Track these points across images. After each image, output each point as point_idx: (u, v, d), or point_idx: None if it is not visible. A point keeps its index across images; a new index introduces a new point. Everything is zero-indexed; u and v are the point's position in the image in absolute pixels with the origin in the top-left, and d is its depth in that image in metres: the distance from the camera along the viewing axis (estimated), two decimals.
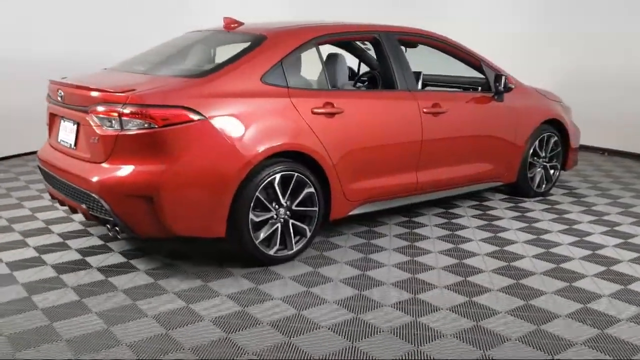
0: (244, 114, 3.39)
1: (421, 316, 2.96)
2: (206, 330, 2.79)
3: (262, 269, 3.52)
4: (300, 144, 3.57)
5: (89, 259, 3.62)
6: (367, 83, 5.03)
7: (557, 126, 5.29)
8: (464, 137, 4.52)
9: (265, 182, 3.43)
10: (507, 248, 3.95)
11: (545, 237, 4.19)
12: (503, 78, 4.60)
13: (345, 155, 3.80)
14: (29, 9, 6.48)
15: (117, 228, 3.36)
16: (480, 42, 5.70)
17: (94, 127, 3.29)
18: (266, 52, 3.63)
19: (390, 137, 4.03)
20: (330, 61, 4.14)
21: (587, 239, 4.17)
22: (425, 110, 4.19)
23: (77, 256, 3.67)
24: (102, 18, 7.02)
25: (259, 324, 2.85)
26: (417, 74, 5.06)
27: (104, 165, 3.25)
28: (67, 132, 3.62)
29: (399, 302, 3.11)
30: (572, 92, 6.51)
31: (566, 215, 4.74)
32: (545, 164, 5.28)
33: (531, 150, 5.06)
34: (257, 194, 3.41)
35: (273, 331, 2.79)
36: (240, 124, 3.36)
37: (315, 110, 3.66)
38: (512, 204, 5.02)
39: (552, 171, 5.37)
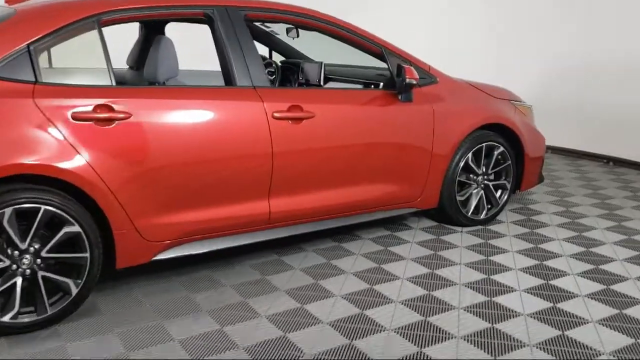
0: None
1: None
2: None
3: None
4: (48, 165, 2.51)
5: None
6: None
7: (506, 133, 4.02)
8: (347, 150, 3.34)
9: None
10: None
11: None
12: (403, 70, 3.38)
13: (134, 177, 2.71)
14: None
15: None
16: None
17: None
18: (5, 33, 2.58)
19: (210, 151, 2.90)
20: (145, 46, 3.07)
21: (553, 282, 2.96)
22: (276, 115, 3.04)
23: None
24: None
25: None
26: (318, 66, 3.92)
27: None
28: None
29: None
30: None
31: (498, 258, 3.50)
32: (486, 182, 4.01)
33: (461, 165, 3.81)
34: None
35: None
36: None
37: (81, 115, 2.59)
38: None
39: (498, 192, 4.10)
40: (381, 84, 3.64)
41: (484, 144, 3.89)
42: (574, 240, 3.75)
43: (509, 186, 4.10)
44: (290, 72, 4.36)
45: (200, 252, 3.01)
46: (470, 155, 3.84)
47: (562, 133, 6.27)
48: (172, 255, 2.92)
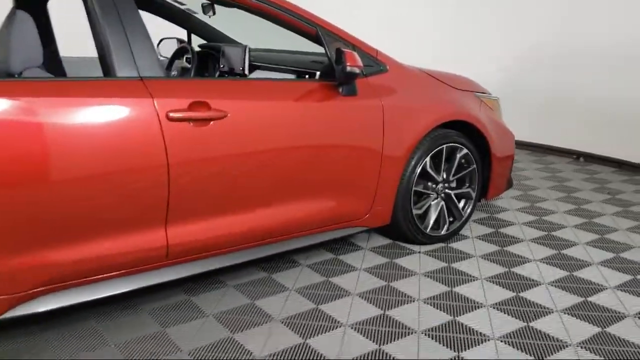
0: None
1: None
2: None
3: None
4: None
5: None
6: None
7: (470, 131, 3.35)
8: (271, 159, 2.59)
9: None
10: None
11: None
12: (343, 55, 2.65)
13: None
14: None
15: None
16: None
17: None
18: None
19: (73, 169, 2.11)
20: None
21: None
22: (173, 115, 2.27)
23: None
24: None
25: None
26: (241, 51, 3.17)
27: None
28: None
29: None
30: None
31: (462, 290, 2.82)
32: (448, 191, 3.33)
33: (417, 172, 3.11)
34: None
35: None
36: None
37: None
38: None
39: (462, 202, 3.43)
40: (317, 73, 2.90)
41: (444, 146, 3.21)
42: (553, 261, 3.11)
43: (474, 195, 3.43)
44: (211, 60, 3.58)
45: (72, 304, 2.22)
46: (428, 159, 3.15)
47: (526, 126, 5.67)
48: (23, 313, 2.12)
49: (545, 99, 5.71)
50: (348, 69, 2.63)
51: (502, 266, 3.03)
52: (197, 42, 4.02)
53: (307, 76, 2.97)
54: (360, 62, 2.67)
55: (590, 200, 4.20)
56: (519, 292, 2.75)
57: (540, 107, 5.76)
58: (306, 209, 2.77)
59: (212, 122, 2.36)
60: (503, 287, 2.79)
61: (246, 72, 3.21)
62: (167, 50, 3.89)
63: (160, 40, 3.94)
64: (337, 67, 2.69)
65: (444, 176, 3.30)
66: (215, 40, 3.86)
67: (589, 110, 5.35)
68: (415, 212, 3.18)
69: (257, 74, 3.24)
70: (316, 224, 2.84)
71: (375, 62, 2.99)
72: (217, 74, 3.47)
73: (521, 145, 5.83)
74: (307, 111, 2.68)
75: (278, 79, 2.86)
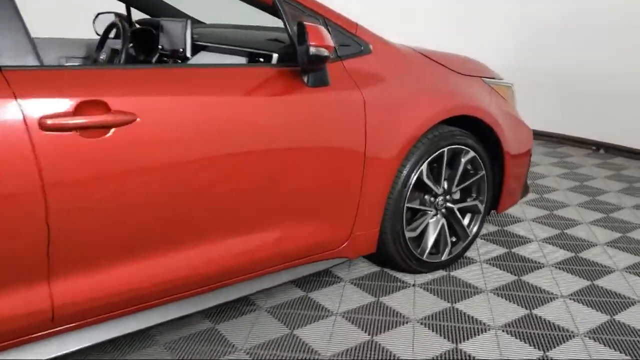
0: None
1: None
2: None
3: None
4: None
5: None
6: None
7: (478, 128, 2.63)
8: (206, 177, 1.86)
9: None
10: None
11: None
12: (305, 30, 1.91)
13: None
14: None
15: None
16: None
17: None
18: None
19: None
20: None
21: None
22: (50, 121, 1.54)
23: None
24: None
25: None
26: (181, 27, 2.43)
27: None
28: None
29: None
30: None
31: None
32: (450, 206, 2.62)
33: (411, 183, 2.39)
34: None
35: None
36: None
37: None
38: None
39: (467, 218, 2.72)
40: (274, 55, 2.16)
41: (445, 149, 2.48)
42: (588, 298, 2.41)
43: (482, 208, 2.72)
44: (149, 39, 2.83)
45: None
46: (424, 167, 2.42)
47: (539, 113, 4.93)
48: None
49: (557, 81, 4.97)
50: (312, 50, 1.90)
51: (522, 306, 2.33)
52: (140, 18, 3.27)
53: (261, 59, 2.22)
54: (329, 41, 1.93)
55: (620, 207, 3.49)
56: (548, 349, 2.05)
57: (553, 90, 5.02)
58: (258, 242, 2.05)
59: (112, 131, 1.63)
60: (526, 342, 2.09)
61: (188, 54, 2.48)
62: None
63: (97, 16, 3.21)
64: (299, 48, 1.95)
65: (445, 187, 2.59)
66: (161, 15, 3.10)
67: (608, 94, 4.62)
68: (408, 234, 2.47)
69: (202, 56, 2.49)
70: (275, 260, 2.13)
71: (354, 41, 2.25)
72: (156, 57, 2.73)
73: None
74: (257, 110, 1.94)
75: (218, 65, 2.12)
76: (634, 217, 3.31)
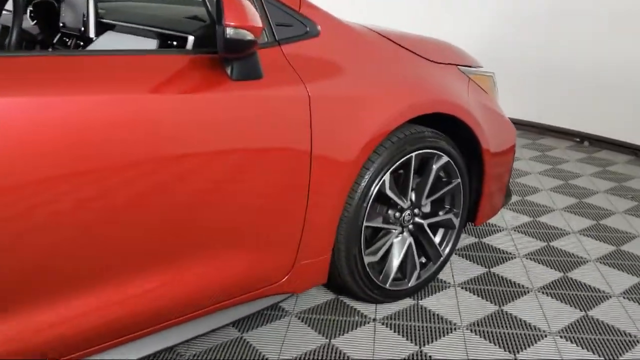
0: None
1: None
2: None
3: None
4: None
5: None
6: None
7: (450, 125, 2.17)
8: (73, 199, 1.36)
9: None
10: None
11: None
12: (222, 8, 1.41)
13: None
14: None
15: None
16: None
17: None
18: None
19: None
20: None
21: None
22: None
23: None
24: None
25: None
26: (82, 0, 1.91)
27: None
28: None
29: None
30: None
31: None
32: (418, 221, 2.16)
33: (370, 197, 1.93)
34: None
35: None
36: None
37: None
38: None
39: (439, 235, 2.27)
40: (190, 38, 1.66)
41: (412, 154, 2.02)
42: (582, 336, 1.99)
43: (457, 222, 2.27)
44: (50, 15, 2.30)
45: None
46: (387, 177, 1.96)
47: (518, 101, 4.51)
48: None
49: (537, 67, 4.54)
50: (229, 32, 1.41)
51: (504, 349, 1.90)
52: None
53: (175, 43, 1.71)
54: (255, 20, 1.44)
55: (611, 211, 3.09)
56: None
57: (531, 77, 4.60)
58: (173, 282, 1.57)
59: None
60: None
61: (91, 34, 1.96)
62: None
63: None
64: (217, 29, 1.46)
65: (413, 199, 2.13)
66: None
67: (592, 81, 4.21)
68: (368, 259, 2.01)
69: (108, 37, 1.97)
70: (202, 302, 1.65)
71: (297, 20, 1.76)
72: (57, 37, 2.20)
73: None
74: (161, 111, 1.45)
75: (114, 52, 1.61)
76: (627, 225, 2.91)
